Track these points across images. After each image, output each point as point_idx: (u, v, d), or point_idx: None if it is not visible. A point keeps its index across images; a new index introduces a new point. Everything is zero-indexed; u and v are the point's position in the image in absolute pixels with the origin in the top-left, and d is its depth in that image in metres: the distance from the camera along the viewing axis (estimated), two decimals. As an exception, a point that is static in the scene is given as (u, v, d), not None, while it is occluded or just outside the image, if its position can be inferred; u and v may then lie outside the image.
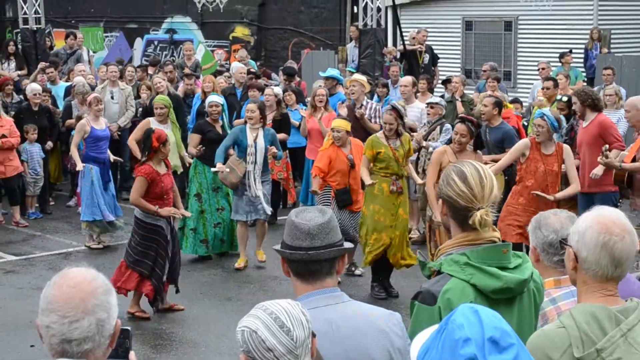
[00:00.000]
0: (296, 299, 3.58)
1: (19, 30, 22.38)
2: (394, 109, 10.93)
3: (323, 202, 11.30)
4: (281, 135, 14.26)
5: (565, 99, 11.98)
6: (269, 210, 12.09)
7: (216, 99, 12.94)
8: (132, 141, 13.10)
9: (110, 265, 11.92)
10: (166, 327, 9.90)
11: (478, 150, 10.49)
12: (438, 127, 12.57)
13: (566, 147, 10.20)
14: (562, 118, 10.28)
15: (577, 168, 11.20)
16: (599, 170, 10.65)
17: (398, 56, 19.39)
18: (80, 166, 12.88)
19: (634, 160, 10.27)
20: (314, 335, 3.03)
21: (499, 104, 12.13)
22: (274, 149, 11.89)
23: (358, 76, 14.53)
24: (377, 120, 14.07)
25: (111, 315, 2.83)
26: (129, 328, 3.04)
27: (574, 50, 19.58)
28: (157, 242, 10.05)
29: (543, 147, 10.07)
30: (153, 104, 13.29)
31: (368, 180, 10.72)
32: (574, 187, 10.09)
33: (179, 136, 13.12)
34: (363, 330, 3.52)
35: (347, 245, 3.66)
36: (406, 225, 11.01)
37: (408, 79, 14.29)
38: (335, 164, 11.25)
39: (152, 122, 12.70)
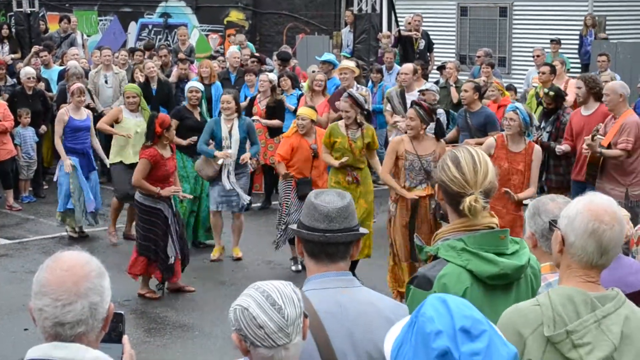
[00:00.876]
0: (308, 278, 3.63)
1: (12, 13, 22.31)
2: (350, 96, 10.62)
3: (285, 192, 11.09)
4: (276, 122, 14.25)
5: (552, 93, 11.91)
6: (246, 198, 11.75)
7: (196, 84, 12.63)
8: (102, 123, 12.57)
9: (103, 249, 11.95)
10: (160, 311, 9.91)
11: (441, 140, 9.92)
12: None
13: (537, 148, 9.93)
14: (534, 115, 10.19)
15: (564, 155, 11.22)
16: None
17: (393, 41, 19.34)
18: (67, 165, 12.39)
19: (609, 144, 10.31)
20: (305, 316, 3.06)
21: (478, 89, 12.18)
22: (247, 156, 11.52)
23: (346, 63, 14.50)
24: (367, 105, 14.07)
25: (104, 299, 2.83)
26: (122, 312, 3.04)
27: (569, 37, 19.56)
28: (156, 225, 10.11)
29: (511, 145, 9.83)
30: (124, 92, 12.89)
31: (333, 162, 10.53)
32: (531, 190, 9.78)
33: None
34: (370, 316, 3.54)
35: (363, 230, 3.68)
36: (368, 215, 10.64)
37: (409, 66, 14.19)
38: (297, 153, 11.00)
39: (123, 111, 12.41)
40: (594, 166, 10.41)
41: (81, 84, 13.52)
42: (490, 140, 10.10)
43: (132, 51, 18.71)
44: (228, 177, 11.55)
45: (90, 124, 12.92)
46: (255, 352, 3.00)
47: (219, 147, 11.54)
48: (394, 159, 9.76)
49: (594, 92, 11.12)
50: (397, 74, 15.74)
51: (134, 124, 12.27)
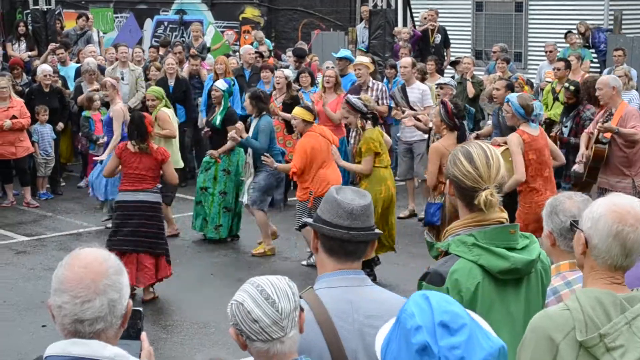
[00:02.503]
0: (320, 276, 3.62)
1: (29, 11, 22.37)
2: (347, 102, 10.78)
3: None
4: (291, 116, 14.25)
5: (572, 88, 11.88)
6: (244, 198, 11.82)
7: (217, 84, 12.76)
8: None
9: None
10: (177, 308, 9.95)
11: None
12: None
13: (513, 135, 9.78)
14: (538, 105, 10.06)
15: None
16: (579, 168, 10.64)
17: (412, 38, 19.29)
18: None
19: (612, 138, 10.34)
20: (301, 309, 3.09)
21: (511, 87, 12.10)
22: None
23: (361, 59, 14.49)
24: (384, 101, 14.04)
25: (123, 296, 2.86)
26: (140, 309, 3.08)
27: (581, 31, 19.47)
28: (158, 219, 10.19)
29: None
30: (145, 95, 13.11)
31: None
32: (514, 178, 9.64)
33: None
34: (381, 315, 3.50)
35: (378, 230, 3.68)
36: None
37: (407, 60, 14.25)
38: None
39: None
40: (598, 161, 10.40)
41: (111, 78, 13.71)
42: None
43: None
44: (246, 172, 11.81)
45: (107, 119, 13.04)
46: (252, 346, 3.05)
47: None
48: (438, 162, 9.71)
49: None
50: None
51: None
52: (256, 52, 17.53)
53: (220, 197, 12.31)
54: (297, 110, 11.23)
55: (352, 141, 10.77)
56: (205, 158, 12.53)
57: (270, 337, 3.00)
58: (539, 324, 3.34)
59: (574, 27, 19.48)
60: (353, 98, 10.95)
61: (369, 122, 10.73)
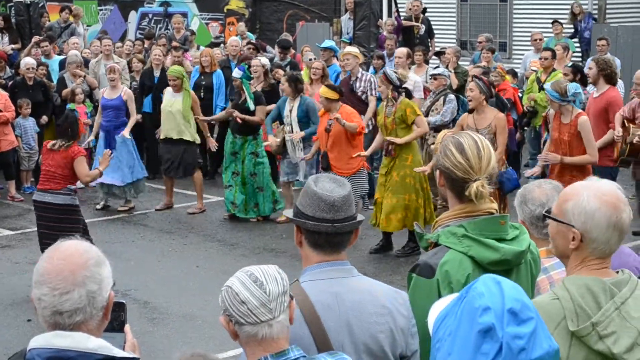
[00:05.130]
0: (305, 269, 3.59)
1: (12, 3, 22.26)
2: (383, 73, 11.21)
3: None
4: (271, 107, 14.20)
5: (570, 63, 11.94)
6: (300, 176, 12.48)
7: (233, 74, 13.33)
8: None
9: (106, 239, 11.93)
10: (162, 300, 9.91)
11: (500, 113, 10.67)
12: (442, 98, 12.54)
13: (581, 119, 9.87)
14: (573, 86, 10.06)
15: None
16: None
17: (395, 28, 19.28)
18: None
19: None
20: (291, 297, 3.09)
21: (487, 74, 12.21)
22: (296, 135, 12.39)
23: (350, 49, 14.47)
24: (372, 92, 14.02)
25: (103, 287, 2.84)
26: (124, 301, 3.06)
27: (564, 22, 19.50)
28: (83, 223, 10.09)
29: (562, 117, 9.94)
30: (167, 76, 13.65)
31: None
32: (585, 157, 9.91)
33: (188, 104, 13.32)
34: (367, 306, 3.50)
35: (360, 217, 3.64)
36: (400, 189, 10.92)
37: (402, 50, 14.23)
38: (319, 128, 11.92)
39: (166, 92, 13.51)
40: (637, 151, 10.46)
41: (115, 64, 14.30)
42: (550, 111, 10.40)
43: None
44: (295, 151, 12.42)
45: (117, 103, 13.63)
46: (241, 331, 3.05)
47: (282, 122, 12.67)
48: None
49: (606, 73, 11.02)
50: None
51: (167, 102, 13.42)
52: (250, 43, 17.52)
53: (252, 178, 12.88)
54: (323, 90, 11.71)
55: (385, 111, 11.04)
56: (227, 149, 13.08)
57: (258, 320, 3.00)
58: None
59: (558, 16, 19.48)
60: (389, 70, 11.51)
61: (402, 95, 11.04)
